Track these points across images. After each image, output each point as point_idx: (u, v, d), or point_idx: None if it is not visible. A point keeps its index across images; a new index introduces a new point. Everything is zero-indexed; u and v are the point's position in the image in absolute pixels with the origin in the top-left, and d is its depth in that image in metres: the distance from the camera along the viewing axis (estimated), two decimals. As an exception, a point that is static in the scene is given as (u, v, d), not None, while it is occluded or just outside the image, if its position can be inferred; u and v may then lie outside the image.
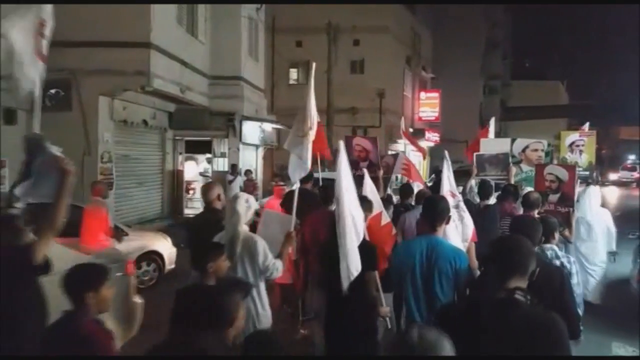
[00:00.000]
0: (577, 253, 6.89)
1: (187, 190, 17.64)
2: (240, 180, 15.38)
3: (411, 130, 31.55)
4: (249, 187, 14.86)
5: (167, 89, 13.33)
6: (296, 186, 5.39)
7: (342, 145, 4.66)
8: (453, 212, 4.53)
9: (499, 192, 7.26)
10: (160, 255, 9.09)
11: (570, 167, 7.05)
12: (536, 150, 8.64)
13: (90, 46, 11.80)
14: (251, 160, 18.38)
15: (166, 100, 14.51)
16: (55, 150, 3.52)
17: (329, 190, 5.59)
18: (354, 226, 4.23)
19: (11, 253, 3.28)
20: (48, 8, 3.74)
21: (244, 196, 4.46)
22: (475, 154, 8.52)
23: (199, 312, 2.64)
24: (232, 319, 2.68)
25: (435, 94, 34.90)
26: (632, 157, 55.53)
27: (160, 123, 15.30)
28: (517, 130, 45.89)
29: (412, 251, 3.86)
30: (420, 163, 20.12)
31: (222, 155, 17.28)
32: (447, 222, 4.04)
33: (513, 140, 8.98)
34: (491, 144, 9.14)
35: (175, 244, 9.38)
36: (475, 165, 8.28)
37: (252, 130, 17.99)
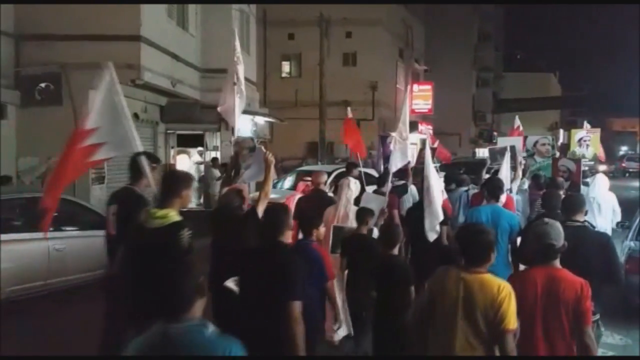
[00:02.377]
0: None
1: (180, 184, 17.55)
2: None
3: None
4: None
5: (158, 83, 13.25)
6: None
7: (427, 144, 7.76)
8: None
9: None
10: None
11: (577, 161, 9.54)
12: (544, 144, 10.88)
13: (80, 39, 11.71)
14: (244, 153, 18.35)
15: (157, 93, 14.41)
16: (261, 147, 6.14)
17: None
18: (439, 193, 6.20)
19: (246, 211, 5.02)
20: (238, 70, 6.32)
21: (352, 179, 6.42)
22: (488, 147, 10.68)
23: None
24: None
25: (428, 86, 34.86)
26: (624, 148, 55.77)
27: (152, 117, 15.19)
28: (510, 122, 46.03)
29: (480, 214, 5.72)
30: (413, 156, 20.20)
31: (215, 148, 17.21)
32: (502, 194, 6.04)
33: (525, 138, 11.16)
34: (505, 139, 11.14)
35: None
36: (488, 156, 10.08)
37: (244, 124, 17.92)
